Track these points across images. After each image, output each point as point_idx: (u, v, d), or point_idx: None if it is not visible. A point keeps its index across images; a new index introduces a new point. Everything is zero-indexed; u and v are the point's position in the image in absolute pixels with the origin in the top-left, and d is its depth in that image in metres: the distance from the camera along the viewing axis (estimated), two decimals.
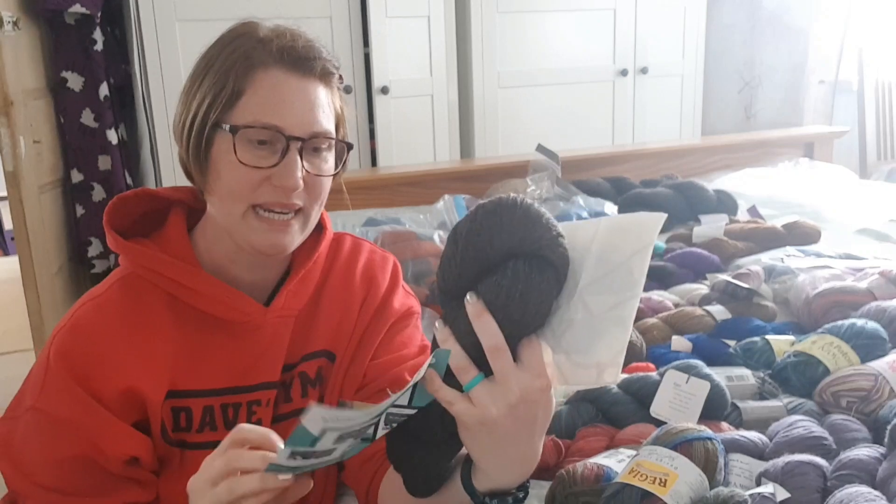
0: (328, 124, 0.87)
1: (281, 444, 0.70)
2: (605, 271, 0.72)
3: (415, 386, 0.70)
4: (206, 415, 0.90)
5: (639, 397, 1.15)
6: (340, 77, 0.92)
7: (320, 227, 0.98)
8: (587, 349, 0.72)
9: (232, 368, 0.90)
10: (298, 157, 0.84)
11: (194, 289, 0.88)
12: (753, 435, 1.04)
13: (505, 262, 0.71)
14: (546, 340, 0.73)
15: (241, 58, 0.84)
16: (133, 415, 0.86)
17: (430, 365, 0.70)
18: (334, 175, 0.90)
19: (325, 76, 0.88)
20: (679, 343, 1.38)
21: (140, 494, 0.88)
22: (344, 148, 0.91)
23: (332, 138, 0.88)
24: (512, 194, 0.74)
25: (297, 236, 0.89)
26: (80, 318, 0.87)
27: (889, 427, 0.96)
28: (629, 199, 2.43)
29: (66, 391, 0.83)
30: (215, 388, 0.90)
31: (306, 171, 0.85)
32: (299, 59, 0.85)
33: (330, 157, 0.89)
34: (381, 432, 0.73)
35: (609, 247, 0.73)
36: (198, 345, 0.89)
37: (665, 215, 0.72)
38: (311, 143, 0.86)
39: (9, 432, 0.86)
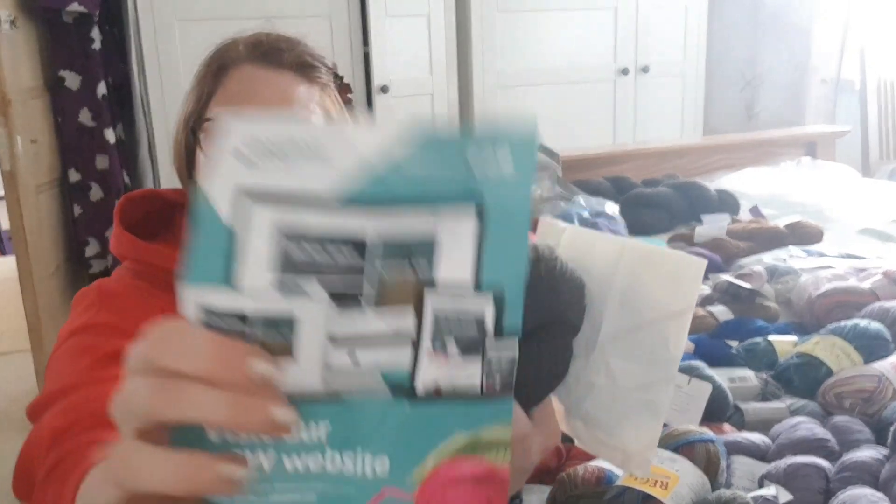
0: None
1: None
2: (632, 326, 0.63)
3: (482, 233, 0.37)
4: None
5: None
6: (338, 77, 0.88)
7: None
8: (611, 429, 0.64)
9: None
10: None
11: None
12: (756, 436, 1.03)
13: (527, 340, 0.63)
14: (560, 396, 0.65)
15: (214, 61, 0.83)
16: None
17: None
18: None
19: (301, 69, 0.84)
20: None
21: None
22: None
23: None
24: (531, 252, 0.61)
25: None
26: (115, 276, 0.84)
27: (892, 428, 0.95)
28: (630, 198, 2.42)
29: (121, 300, 0.80)
30: None
31: None
32: (267, 51, 0.83)
33: None
34: (425, 364, 0.37)
35: (637, 291, 0.63)
36: None
37: (705, 262, 0.61)
38: None
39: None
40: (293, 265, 0.34)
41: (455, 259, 0.37)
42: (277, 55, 0.83)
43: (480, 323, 0.38)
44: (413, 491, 0.38)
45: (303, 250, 0.34)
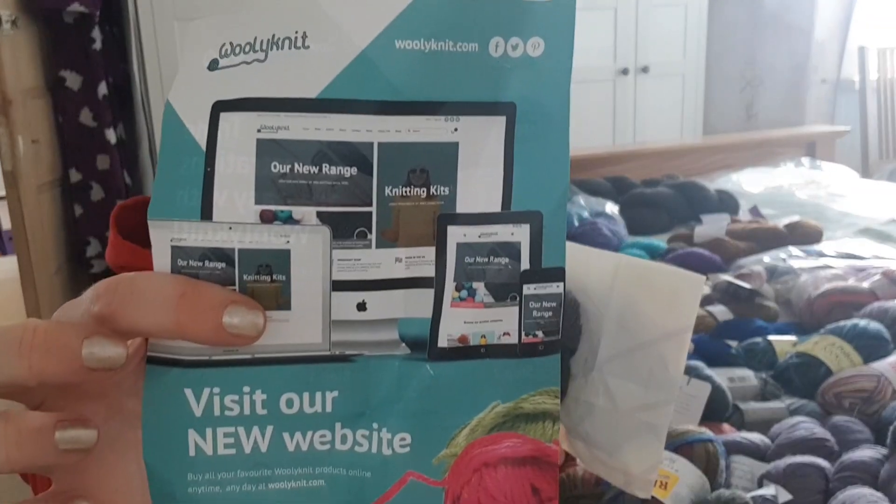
0: None
1: None
2: (630, 346, 0.61)
3: (509, 140, 0.29)
4: None
5: None
6: None
7: None
8: (612, 450, 0.63)
9: None
10: None
11: None
12: (755, 436, 1.03)
13: None
14: (560, 418, 0.64)
15: None
16: None
17: None
18: None
19: None
20: None
21: None
22: None
23: None
24: None
25: None
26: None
27: (891, 428, 0.95)
28: (630, 198, 2.42)
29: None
30: None
31: None
32: None
33: None
34: (449, 313, 0.30)
35: (634, 311, 0.61)
36: None
37: (703, 278, 0.59)
38: None
39: None
40: (282, 189, 0.27)
41: (481, 178, 0.29)
42: None
43: (514, 259, 0.30)
44: (442, 477, 0.31)
45: (293, 170, 0.27)
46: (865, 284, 1.49)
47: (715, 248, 1.92)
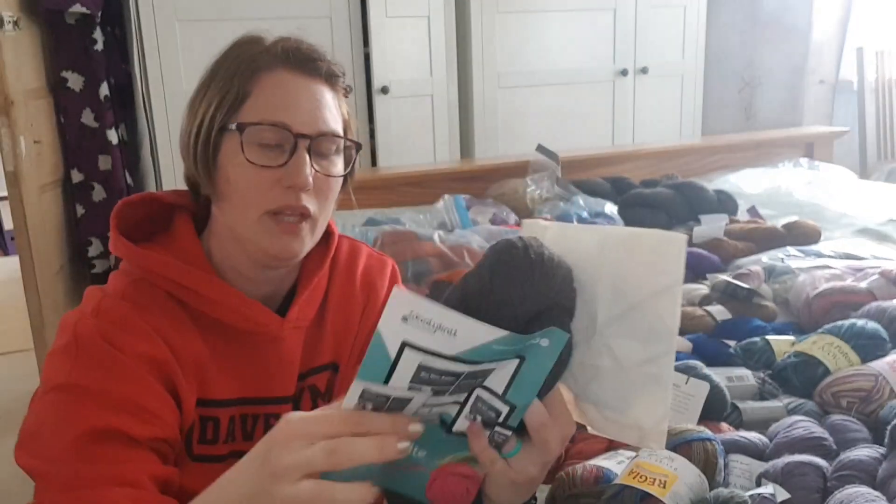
0: (335, 125, 0.86)
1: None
2: (626, 307, 0.66)
3: (516, 374, 0.63)
4: (231, 425, 0.88)
5: None
6: (347, 87, 0.91)
7: (327, 234, 0.96)
8: (622, 408, 0.67)
9: (248, 379, 0.88)
10: (307, 155, 0.83)
11: (210, 298, 0.85)
12: (753, 435, 1.04)
13: (529, 330, 0.65)
14: (567, 384, 0.70)
15: (245, 62, 0.84)
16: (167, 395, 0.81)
17: (543, 345, 0.63)
18: (343, 177, 0.89)
19: (330, 78, 0.88)
20: (679, 343, 1.38)
21: (163, 469, 0.79)
22: (352, 153, 0.90)
23: (340, 137, 0.87)
24: (517, 241, 0.65)
25: (307, 241, 0.87)
26: (104, 304, 0.82)
27: (889, 427, 0.96)
28: (629, 199, 2.42)
29: (100, 358, 0.78)
30: (235, 397, 0.88)
31: (315, 171, 0.84)
32: (304, 59, 0.86)
33: (339, 161, 0.88)
34: (461, 420, 0.67)
35: (625, 275, 0.66)
36: (217, 353, 0.86)
37: (685, 237, 0.64)
38: (318, 143, 0.84)
39: (31, 424, 0.79)
40: (420, 380, 0.60)
41: (498, 380, 0.64)
42: (312, 65, 0.86)
43: (497, 415, 0.67)
44: (433, 469, 0.70)
45: (428, 375, 0.59)
46: (863, 284, 1.50)
47: (714, 248, 1.93)
